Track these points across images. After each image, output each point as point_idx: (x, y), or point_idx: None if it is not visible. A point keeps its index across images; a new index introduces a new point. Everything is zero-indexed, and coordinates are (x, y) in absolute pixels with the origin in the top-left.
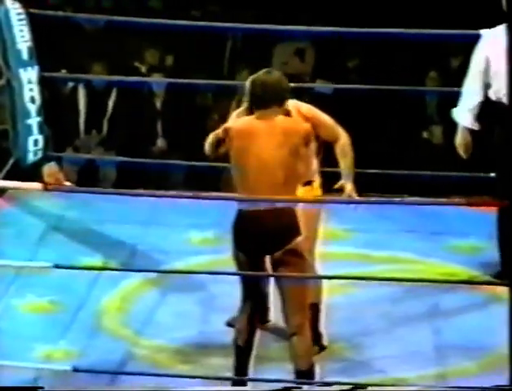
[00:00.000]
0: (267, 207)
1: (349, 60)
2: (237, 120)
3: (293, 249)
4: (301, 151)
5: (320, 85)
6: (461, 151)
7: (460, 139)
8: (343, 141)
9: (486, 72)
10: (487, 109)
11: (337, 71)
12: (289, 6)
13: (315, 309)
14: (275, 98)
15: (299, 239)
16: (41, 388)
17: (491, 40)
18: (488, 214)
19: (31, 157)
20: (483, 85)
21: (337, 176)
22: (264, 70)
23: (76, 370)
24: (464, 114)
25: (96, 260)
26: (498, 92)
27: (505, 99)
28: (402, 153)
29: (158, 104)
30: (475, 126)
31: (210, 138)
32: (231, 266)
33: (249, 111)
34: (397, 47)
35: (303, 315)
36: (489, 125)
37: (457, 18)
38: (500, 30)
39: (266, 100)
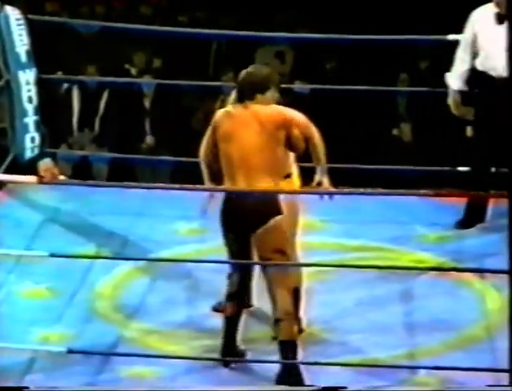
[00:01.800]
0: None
1: (326, 62)
2: (221, 112)
3: (275, 227)
4: (280, 136)
5: (299, 86)
6: (453, 110)
7: (451, 100)
8: (317, 138)
9: (473, 44)
10: (473, 77)
11: (315, 72)
12: (269, 12)
13: (295, 294)
14: (248, 91)
15: (280, 217)
16: (27, 388)
17: (480, 16)
18: (453, 206)
19: (28, 154)
20: (472, 55)
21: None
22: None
23: (70, 351)
24: (454, 79)
25: (90, 249)
26: (483, 64)
27: (492, 72)
28: (374, 149)
29: (147, 104)
30: (464, 89)
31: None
32: (216, 255)
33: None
34: (371, 51)
35: (288, 299)
36: (474, 91)
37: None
38: (489, 8)
39: (241, 93)
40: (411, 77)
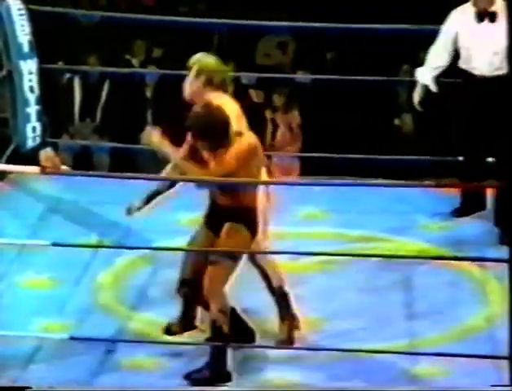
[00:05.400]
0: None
1: (327, 53)
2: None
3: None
4: None
5: (300, 76)
6: (416, 105)
7: (417, 94)
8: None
9: (454, 43)
10: (455, 74)
11: (316, 62)
12: (270, 4)
13: (280, 291)
14: None
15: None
16: (29, 388)
17: (460, 16)
18: (454, 195)
19: (30, 143)
20: (450, 53)
21: None
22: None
23: (72, 338)
24: (425, 74)
25: (92, 239)
26: (465, 62)
27: (475, 71)
28: (375, 139)
29: (148, 94)
30: (432, 86)
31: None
32: None
33: None
34: (373, 41)
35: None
36: (455, 89)
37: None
38: (469, 7)
39: None
40: (412, 67)
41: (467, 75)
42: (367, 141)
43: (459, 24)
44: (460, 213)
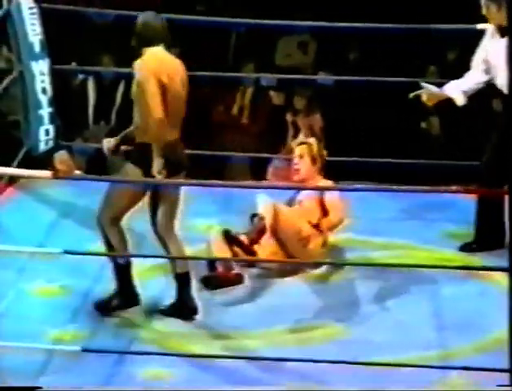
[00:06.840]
0: None
1: (349, 53)
2: None
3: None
4: None
5: (322, 77)
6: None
7: (430, 94)
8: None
9: (486, 62)
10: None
11: (338, 63)
12: (289, 3)
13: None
14: None
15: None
16: (40, 388)
17: (490, 31)
18: None
19: (42, 146)
20: (483, 71)
21: None
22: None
23: (84, 350)
24: (453, 86)
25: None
26: (496, 80)
27: (503, 88)
28: (401, 142)
29: None
30: (458, 99)
31: None
32: None
33: None
34: (398, 41)
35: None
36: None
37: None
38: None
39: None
40: (439, 69)
41: (500, 93)
42: (392, 145)
43: (490, 44)
44: (471, 248)
